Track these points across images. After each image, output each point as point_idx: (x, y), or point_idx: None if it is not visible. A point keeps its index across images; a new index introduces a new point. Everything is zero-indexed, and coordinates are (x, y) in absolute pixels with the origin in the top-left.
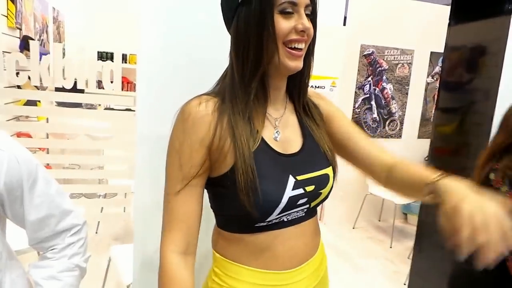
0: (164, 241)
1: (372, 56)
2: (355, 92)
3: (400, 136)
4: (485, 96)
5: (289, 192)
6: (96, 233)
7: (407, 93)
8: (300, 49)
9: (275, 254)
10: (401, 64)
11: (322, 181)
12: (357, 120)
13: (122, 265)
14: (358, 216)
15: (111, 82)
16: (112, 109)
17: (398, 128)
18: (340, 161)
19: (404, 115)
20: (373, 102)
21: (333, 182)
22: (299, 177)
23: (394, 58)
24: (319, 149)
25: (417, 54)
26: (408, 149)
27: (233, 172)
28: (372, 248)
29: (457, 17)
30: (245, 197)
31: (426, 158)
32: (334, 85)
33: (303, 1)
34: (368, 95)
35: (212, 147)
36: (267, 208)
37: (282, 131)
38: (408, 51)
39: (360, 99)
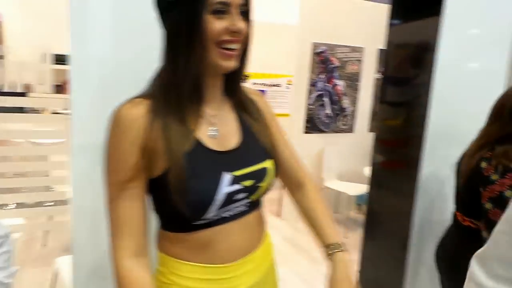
0: (115, 248)
1: (324, 54)
2: (309, 89)
3: (352, 131)
4: (426, 91)
5: (225, 189)
6: (45, 245)
7: (357, 89)
8: (234, 49)
9: (217, 249)
10: (351, 61)
11: (261, 175)
12: (311, 116)
13: (69, 277)
14: None
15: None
16: (59, 113)
17: (350, 123)
18: None
19: (355, 110)
20: (326, 98)
21: (274, 175)
22: (236, 173)
23: (345, 55)
24: (258, 143)
25: (367, 52)
26: (359, 142)
27: (166, 173)
28: None
29: (397, 16)
30: (177, 197)
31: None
32: (290, 83)
33: (236, 1)
34: (321, 92)
35: (145, 149)
36: (201, 207)
37: (220, 128)
38: (358, 48)
39: (313, 96)
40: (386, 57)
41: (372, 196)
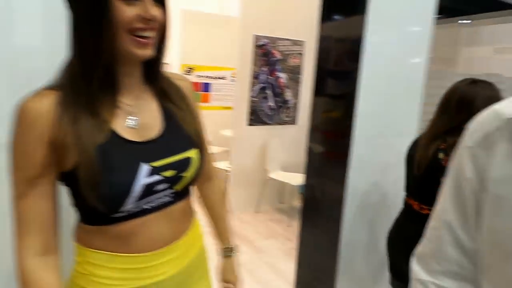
0: (19, 247)
1: (265, 47)
2: (252, 81)
3: (295, 122)
4: (354, 83)
5: (142, 180)
6: None
7: (299, 82)
8: (149, 37)
9: (138, 240)
10: (293, 55)
11: (184, 165)
12: (255, 109)
13: None
14: (261, 201)
15: None
16: None
17: (293, 115)
18: (241, 147)
19: (298, 102)
20: (269, 91)
21: (199, 164)
22: (156, 163)
23: (287, 48)
24: (182, 131)
25: (308, 45)
26: (302, 133)
27: (77, 168)
28: (273, 229)
29: (327, 12)
30: (88, 192)
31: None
32: (235, 76)
33: None
34: (264, 84)
35: (54, 144)
36: (116, 200)
37: (140, 118)
38: (299, 42)
39: (256, 88)
40: (318, 51)
41: (308, 184)
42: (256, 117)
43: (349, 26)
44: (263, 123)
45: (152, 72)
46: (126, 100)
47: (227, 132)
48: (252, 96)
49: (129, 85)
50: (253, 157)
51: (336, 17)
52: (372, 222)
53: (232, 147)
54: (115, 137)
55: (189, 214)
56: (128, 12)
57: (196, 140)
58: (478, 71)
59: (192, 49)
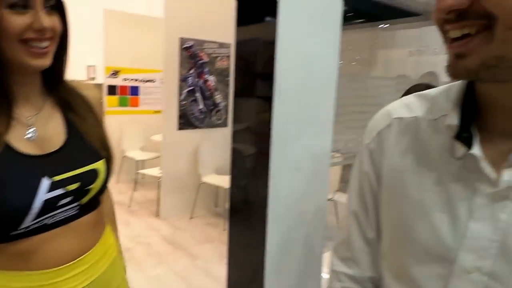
0: None
1: (192, 49)
2: (180, 84)
3: (226, 125)
4: (270, 85)
5: (43, 195)
6: None
7: (228, 84)
8: (44, 47)
9: (40, 256)
10: (220, 57)
11: (89, 177)
12: (184, 112)
13: None
14: (195, 206)
15: None
16: None
17: (224, 118)
18: (172, 152)
19: (228, 105)
20: (198, 94)
21: (105, 176)
22: (57, 177)
23: (214, 51)
24: (86, 143)
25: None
26: None
27: None
28: (209, 233)
29: (241, 16)
30: None
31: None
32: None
33: None
34: (192, 87)
35: None
36: (14, 218)
37: (40, 129)
38: (226, 44)
39: (185, 92)
40: (236, 55)
41: (233, 186)
42: (187, 121)
43: (261, 30)
44: (194, 126)
45: (52, 82)
46: (24, 112)
47: (159, 137)
48: (181, 100)
49: (27, 95)
50: (185, 161)
51: (249, 21)
52: (297, 219)
53: (163, 152)
54: (10, 151)
55: (98, 226)
56: (17, 22)
57: (102, 151)
58: (394, 73)
59: (117, 50)
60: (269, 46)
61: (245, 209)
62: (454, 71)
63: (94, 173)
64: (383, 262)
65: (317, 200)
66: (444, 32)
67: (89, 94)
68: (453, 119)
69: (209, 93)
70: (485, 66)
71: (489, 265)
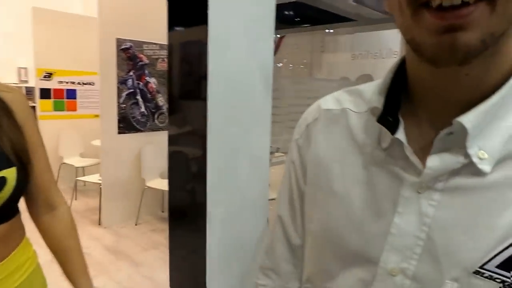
0: None
1: (130, 51)
2: (118, 87)
3: None
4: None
5: None
6: None
7: None
8: None
9: None
10: (161, 59)
11: None
12: (125, 116)
13: None
14: (140, 212)
15: None
16: None
17: (167, 121)
18: (113, 158)
19: None
20: (139, 97)
21: (16, 185)
22: None
23: (154, 52)
24: None
25: None
26: None
27: None
28: (154, 239)
29: (172, 19)
30: None
31: None
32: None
33: None
34: (132, 90)
35: None
36: None
37: None
38: (166, 46)
39: (124, 94)
40: (168, 59)
41: (172, 188)
42: (127, 125)
43: (193, 35)
44: (136, 130)
45: None
46: None
47: (99, 143)
48: (121, 103)
49: None
50: (128, 166)
51: (180, 26)
52: (238, 221)
53: (103, 158)
54: None
55: (11, 238)
56: None
57: (15, 159)
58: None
59: (49, 52)
60: (202, 48)
61: (185, 213)
62: (447, 49)
63: (3, 182)
64: (306, 270)
65: (258, 201)
66: (422, 3)
67: (8, 97)
68: (378, 103)
69: (150, 95)
70: (483, 44)
71: (413, 267)
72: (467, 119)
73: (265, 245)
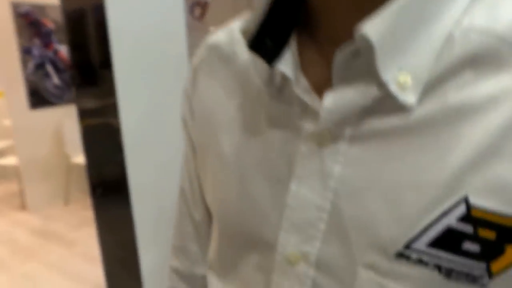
0: None
1: (31, 16)
2: (22, 58)
3: None
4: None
5: None
6: None
7: None
8: None
9: None
10: None
11: None
12: (36, 89)
13: None
14: (69, 190)
15: None
16: None
17: None
18: (28, 136)
19: None
20: (49, 67)
21: None
22: None
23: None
24: None
25: None
26: None
27: None
28: (86, 217)
29: None
30: None
31: None
32: None
33: None
34: (40, 60)
35: None
36: None
37: None
38: None
39: (31, 65)
40: (65, 23)
41: (89, 164)
42: (40, 99)
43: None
44: (52, 104)
45: None
46: None
47: (9, 122)
48: (28, 75)
49: None
50: (47, 144)
51: None
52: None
53: (16, 137)
54: None
55: None
56: None
57: None
58: None
59: None
60: (99, 11)
61: (107, 188)
62: None
63: None
64: (209, 254)
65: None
66: None
67: None
68: (251, 22)
69: (63, 65)
70: None
71: (316, 250)
72: (372, 28)
73: (174, 220)
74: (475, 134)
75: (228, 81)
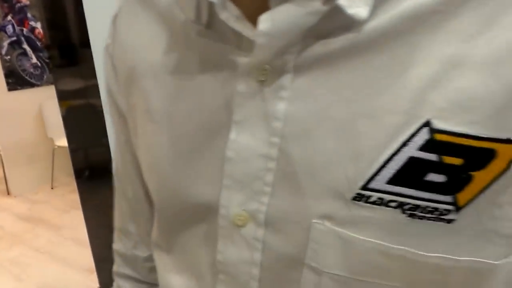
0: None
1: None
2: None
3: None
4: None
5: None
6: None
7: None
8: None
9: None
10: None
11: None
12: (12, 69)
13: None
14: (55, 174)
15: None
16: None
17: None
18: (7, 119)
19: None
20: (26, 46)
21: None
22: None
23: None
24: None
25: None
26: None
27: None
28: (73, 200)
29: None
30: None
31: None
32: None
33: None
34: (15, 38)
35: None
36: None
37: None
38: None
39: (5, 44)
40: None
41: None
42: (18, 79)
43: None
44: (31, 85)
45: None
46: None
47: None
48: (3, 54)
49: None
50: (29, 127)
51: None
52: None
53: None
54: None
55: None
56: None
57: None
58: None
59: None
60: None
61: (92, 171)
62: None
63: None
64: (153, 231)
65: None
66: None
67: None
68: None
69: (41, 43)
70: None
71: (265, 206)
72: None
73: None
74: (436, 43)
75: (151, 26)
